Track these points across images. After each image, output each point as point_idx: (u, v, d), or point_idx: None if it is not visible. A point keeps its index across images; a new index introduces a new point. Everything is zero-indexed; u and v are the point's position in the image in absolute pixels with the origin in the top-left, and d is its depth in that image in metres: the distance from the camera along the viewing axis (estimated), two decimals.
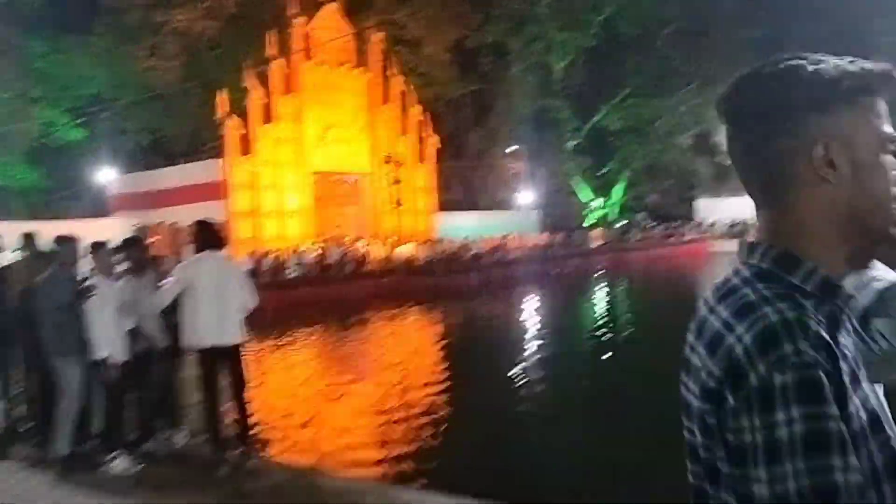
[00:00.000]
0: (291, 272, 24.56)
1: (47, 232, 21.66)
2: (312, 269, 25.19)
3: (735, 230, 45.68)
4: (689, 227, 45.91)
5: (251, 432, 6.47)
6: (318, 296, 23.39)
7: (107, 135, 36.50)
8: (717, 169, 47.47)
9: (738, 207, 47.53)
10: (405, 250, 28.57)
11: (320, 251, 26.66)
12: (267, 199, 28.63)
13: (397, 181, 30.41)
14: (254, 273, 23.53)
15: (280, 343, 16.49)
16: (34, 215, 34.53)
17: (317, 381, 12.42)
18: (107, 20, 34.27)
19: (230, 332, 5.86)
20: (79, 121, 36.24)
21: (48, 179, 36.71)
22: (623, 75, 47.09)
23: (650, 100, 46.36)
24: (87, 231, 24.84)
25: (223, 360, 5.88)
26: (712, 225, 46.92)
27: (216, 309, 5.76)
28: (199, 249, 6.04)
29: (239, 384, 6.03)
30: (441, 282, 27.04)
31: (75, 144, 36.89)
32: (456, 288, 26.65)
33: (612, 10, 45.33)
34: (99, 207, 33.70)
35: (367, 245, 28.68)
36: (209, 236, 6.13)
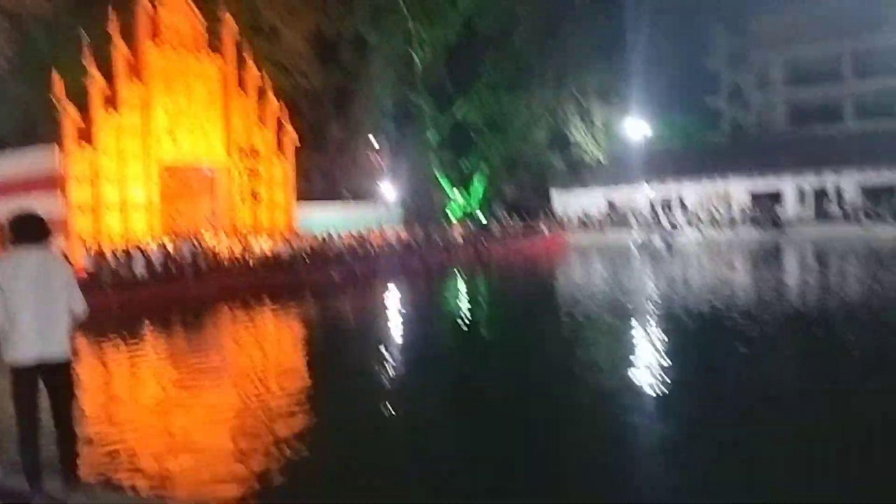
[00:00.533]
0: (136, 270, 23.05)
1: None
2: (160, 267, 23.78)
3: (588, 222, 47.90)
4: (544, 220, 47.54)
5: (78, 459, 5.38)
6: (166, 295, 22.17)
7: None
8: (568, 163, 49.54)
9: (589, 200, 50.01)
10: (262, 245, 27.63)
11: (168, 247, 25.22)
12: (109, 192, 26.71)
13: (254, 173, 29.32)
14: (94, 272, 22.00)
15: (121, 348, 15.41)
16: None
17: (162, 390, 11.64)
18: None
19: (57, 344, 5.00)
20: None
21: None
22: (482, 71, 48.10)
23: (507, 95, 47.64)
24: None
25: (48, 378, 4.99)
26: (565, 217, 48.88)
27: (39, 317, 4.90)
28: (16, 245, 5.11)
29: (66, 407, 5.13)
30: (300, 277, 26.41)
31: None
32: (315, 283, 26.12)
33: (470, 7, 46.07)
34: None
35: (221, 240, 27.49)
36: (28, 229, 5.13)
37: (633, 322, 16.11)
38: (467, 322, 17.87)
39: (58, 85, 25.58)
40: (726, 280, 24.36)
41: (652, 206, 47.84)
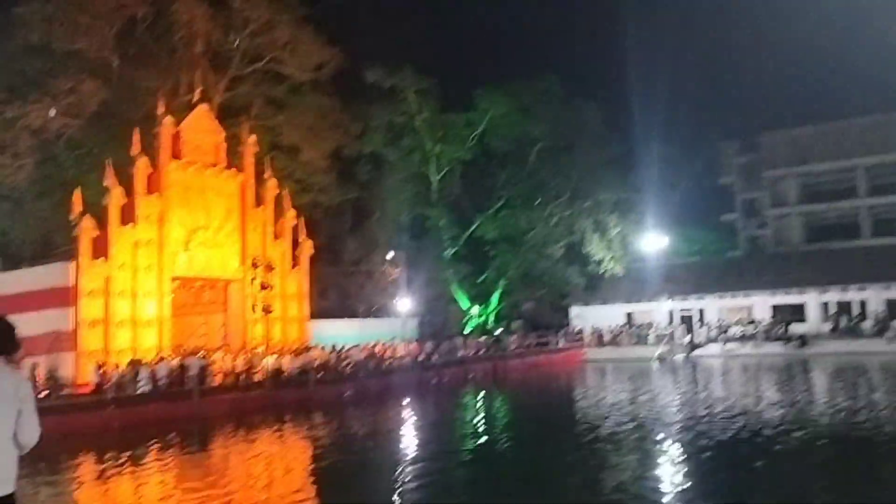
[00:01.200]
0: (141, 386, 22.34)
1: None
2: (165, 383, 23.04)
3: (606, 336, 46.86)
4: (562, 335, 46.59)
5: None
6: (172, 413, 21.33)
7: None
8: (587, 278, 49.10)
9: (607, 314, 49.16)
10: (274, 360, 26.91)
11: (176, 363, 24.55)
12: (120, 307, 26.40)
13: (267, 286, 29.00)
14: (98, 387, 21.32)
15: (124, 467, 14.55)
16: None
17: None
18: None
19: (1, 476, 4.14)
20: None
21: None
22: (497, 187, 48.71)
23: (523, 211, 47.94)
24: None
25: None
26: (581, 332, 47.91)
27: None
28: None
29: None
30: (312, 394, 25.53)
31: None
32: (325, 400, 25.20)
33: (484, 127, 47.23)
34: None
35: (230, 356, 26.80)
36: None
37: (655, 440, 15.11)
38: (483, 443, 16.85)
39: (77, 201, 25.82)
40: (750, 397, 23.21)
41: (672, 321, 46.88)
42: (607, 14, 61.02)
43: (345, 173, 44.16)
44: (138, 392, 22.15)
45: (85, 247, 25.62)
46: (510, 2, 71.75)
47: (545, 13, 69.28)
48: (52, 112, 13.29)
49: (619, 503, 10.12)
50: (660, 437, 15.72)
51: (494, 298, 49.94)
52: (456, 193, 48.59)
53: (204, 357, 25.72)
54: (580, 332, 48.08)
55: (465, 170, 48.35)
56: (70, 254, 26.37)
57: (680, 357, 41.08)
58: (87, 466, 14.73)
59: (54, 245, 31.75)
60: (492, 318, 50.06)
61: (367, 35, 46.25)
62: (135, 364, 23.72)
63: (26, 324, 26.00)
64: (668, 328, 45.76)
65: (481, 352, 38.59)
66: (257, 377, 25.69)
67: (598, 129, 48.02)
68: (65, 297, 25.68)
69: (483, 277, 49.76)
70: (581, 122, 47.83)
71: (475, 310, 49.16)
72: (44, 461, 15.47)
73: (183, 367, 24.17)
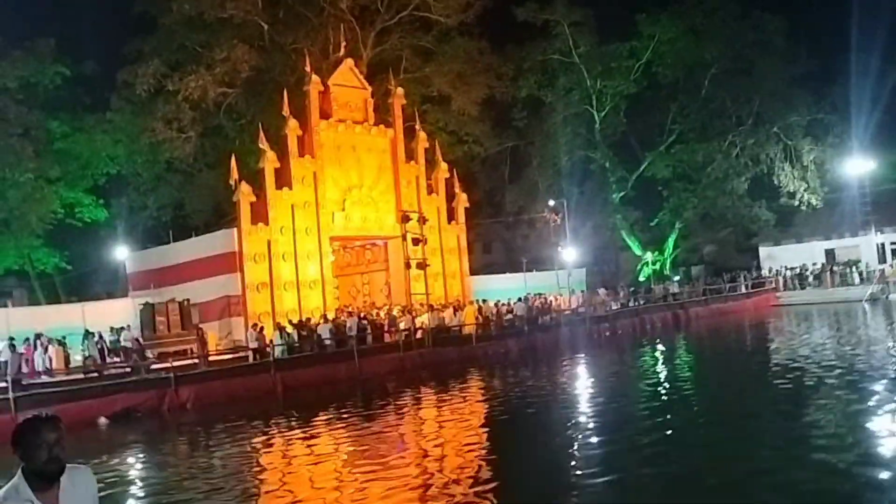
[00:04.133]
0: (305, 347, 22.07)
1: (60, 315, 19.79)
2: (330, 343, 22.64)
3: (803, 278, 41.88)
4: (751, 278, 42.11)
5: None
6: (335, 374, 20.84)
7: (128, 212, 35.40)
8: (777, 214, 44.02)
9: (804, 253, 43.79)
10: (435, 316, 25.87)
11: (337, 322, 24.13)
12: (283, 269, 26.48)
13: (420, 241, 27.87)
14: (260, 350, 21.20)
15: (296, 431, 13.97)
16: (53, 299, 33.32)
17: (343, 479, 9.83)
18: (123, 94, 33.43)
19: None
20: (101, 201, 35.29)
21: (69, 261, 35.52)
22: (668, 121, 44.64)
23: (699, 144, 43.62)
24: (100, 312, 22.86)
25: None
26: (776, 273, 43.07)
27: None
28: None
29: None
30: (476, 350, 24.25)
31: (97, 224, 35.81)
32: (492, 357, 23.82)
33: (649, 56, 43.16)
34: (121, 286, 32.26)
35: (393, 313, 26.09)
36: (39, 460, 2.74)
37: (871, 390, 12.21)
38: (675, 399, 14.55)
39: (234, 168, 25.99)
40: None
41: (883, 257, 40.88)
42: None
43: (499, 121, 42.23)
44: (302, 353, 21.84)
45: (245, 212, 25.78)
46: None
47: None
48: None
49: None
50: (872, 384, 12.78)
51: (670, 243, 46.20)
52: (621, 131, 45.09)
53: (365, 317, 25.18)
54: (773, 273, 43.26)
55: (630, 105, 44.63)
56: (235, 220, 26.74)
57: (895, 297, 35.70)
58: (271, 433, 14.31)
59: (224, 213, 32.69)
60: (668, 264, 46.42)
61: None
62: (297, 326, 23.58)
63: (200, 290, 26.87)
64: (878, 265, 39.95)
65: (660, 299, 35.58)
66: (419, 335, 24.74)
67: (782, 44, 42.40)
68: (231, 262, 26.10)
69: (656, 221, 46.12)
70: (762, 38, 42.45)
71: (649, 256, 45.73)
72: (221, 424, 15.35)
73: (344, 327, 23.70)
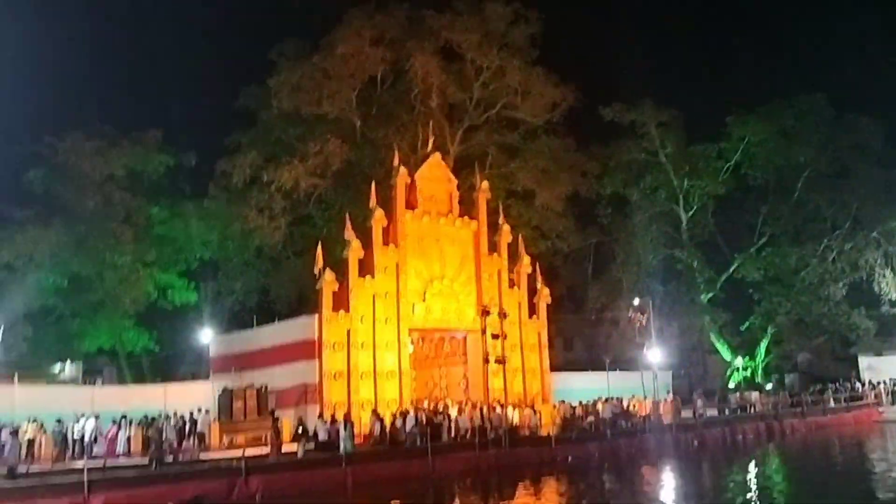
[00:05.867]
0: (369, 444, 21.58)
1: (143, 395, 20.28)
2: (411, 437, 22.03)
3: None
4: (851, 390, 39.27)
5: None
6: (405, 470, 20.17)
7: (216, 296, 36.44)
8: (878, 322, 41.40)
9: None
10: (511, 415, 25.01)
11: (419, 416, 23.54)
12: (361, 358, 26.35)
13: (498, 336, 27.30)
14: (330, 442, 20.81)
15: None
16: (140, 378, 34.18)
17: None
18: (221, 183, 35.08)
19: None
20: (192, 284, 36.55)
21: (158, 341, 36.59)
22: (758, 223, 43.31)
23: (791, 248, 42.01)
24: (181, 394, 23.27)
25: None
26: (875, 386, 40.05)
27: None
28: None
29: None
30: (554, 452, 23.16)
31: (187, 307, 36.97)
32: (571, 460, 22.67)
33: (738, 157, 42.47)
34: (204, 368, 32.84)
35: (468, 411, 25.32)
36: None
37: None
38: None
39: (320, 256, 26.45)
40: None
41: None
42: (872, 13, 52.50)
43: (583, 217, 42.01)
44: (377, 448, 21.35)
45: (327, 300, 26.02)
46: (751, 17, 64.97)
47: (799, 25, 61.79)
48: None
49: None
50: None
51: (762, 348, 43.88)
52: (709, 232, 43.91)
53: (441, 412, 24.57)
54: (874, 386, 40.28)
55: (718, 205, 43.61)
56: (317, 308, 26.99)
57: None
58: None
59: (308, 301, 33.14)
60: (760, 370, 43.96)
61: (600, 72, 44.28)
62: (373, 416, 23.21)
63: (279, 376, 27.02)
64: None
65: (752, 408, 33.54)
66: (495, 434, 23.85)
67: (880, 147, 41.04)
68: (310, 349, 26.16)
69: (747, 325, 44.06)
70: (858, 141, 41.25)
71: (739, 361, 43.46)
72: None
73: (425, 422, 23.07)
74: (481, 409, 24.89)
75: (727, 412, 33.51)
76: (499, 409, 25.39)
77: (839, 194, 41.31)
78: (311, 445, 21.01)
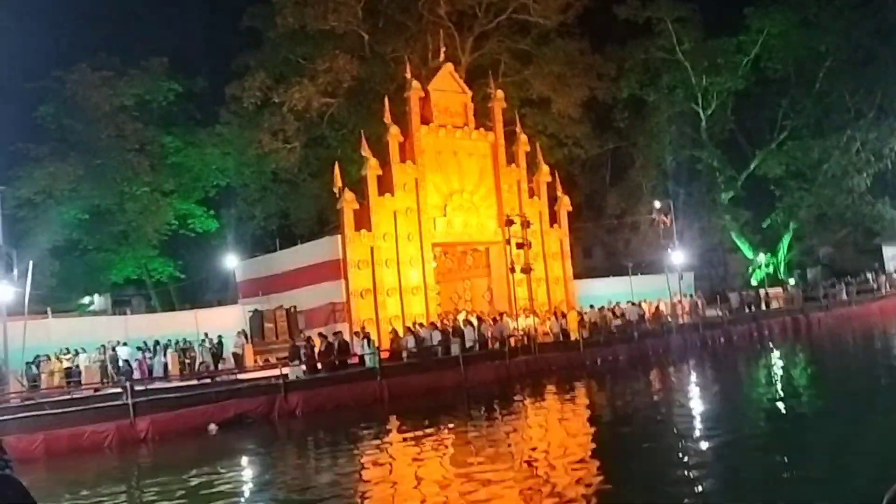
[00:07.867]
0: (407, 356, 21.97)
1: (175, 322, 20.67)
2: (434, 350, 22.43)
3: None
4: (875, 281, 39.26)
5: None
6: (438, 381, 20.60)
7: (237, 222, 36.56)
8: None
9: None
10: (538, 322, 25.29)
11: (442, 329, 23.90)
12: (386, 275, 26.55)
13: (523, 244, 27.26)
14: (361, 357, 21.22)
15: (416, 438, 13.82)
16: (168, 306, 34.78)
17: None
18: (231, 107, 34.60)
19: None
20: (211, 211, 36.65)
21: (183, 269, 37.06)
22: (779, 117, 42.37)
23: (814, 141, 41.18)
24: (211, 319, 23.62)
25: None
26: None
27: None
28: None
29: None
30: (582, 356, 23.53)
31: (208, 234, 37.21)
32: (600, 363, 23.04)
33: (758, 50, 41.12)
34: (231, 293, 33.32)
35: (494, 320, 25.62)
36: None
37: None
38: (795, 413, 13.50)
39: (338, 176, 26.28)
40: None
41: None
42: None
43: (600, 122, 41.19)
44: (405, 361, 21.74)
45: (348, 219, 25.99)
46: None
47: None
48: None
49: None
50: None
51: (784, 244, 43.77)
52: (729, 129, 43.12)
53: (467, 323, 24.87)
54: None
55: (737, 101, 42.64)
56: (339, 227, 27.04)
57: None
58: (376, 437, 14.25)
59: (328, 222, 33.21)
60: (783, 266, 43.96)
61: None
62: (402, 330, 23.53)
63: (306, 297, 27.40)
64: None
65: (775, 304, 33.68)
66: (522, 341, 24.21)
67: None
68: (336, 269, 26.34)
69: (768, 221, 43.80)
70: (882, 25, 39.69)
71: (761, 258, 43.42)
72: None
73: (448, 334, 23.45)
74: (498, 319, 25.20)
75: (751, 308, 33.66)
76: (522, 318, 25.69)
77: (863, 82, 40.17)
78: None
